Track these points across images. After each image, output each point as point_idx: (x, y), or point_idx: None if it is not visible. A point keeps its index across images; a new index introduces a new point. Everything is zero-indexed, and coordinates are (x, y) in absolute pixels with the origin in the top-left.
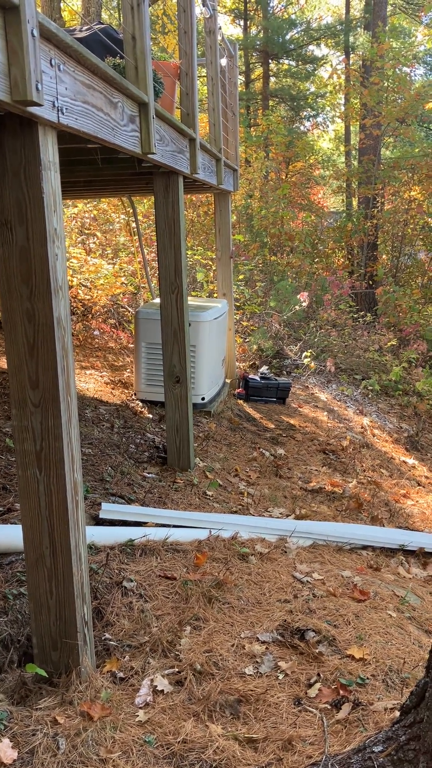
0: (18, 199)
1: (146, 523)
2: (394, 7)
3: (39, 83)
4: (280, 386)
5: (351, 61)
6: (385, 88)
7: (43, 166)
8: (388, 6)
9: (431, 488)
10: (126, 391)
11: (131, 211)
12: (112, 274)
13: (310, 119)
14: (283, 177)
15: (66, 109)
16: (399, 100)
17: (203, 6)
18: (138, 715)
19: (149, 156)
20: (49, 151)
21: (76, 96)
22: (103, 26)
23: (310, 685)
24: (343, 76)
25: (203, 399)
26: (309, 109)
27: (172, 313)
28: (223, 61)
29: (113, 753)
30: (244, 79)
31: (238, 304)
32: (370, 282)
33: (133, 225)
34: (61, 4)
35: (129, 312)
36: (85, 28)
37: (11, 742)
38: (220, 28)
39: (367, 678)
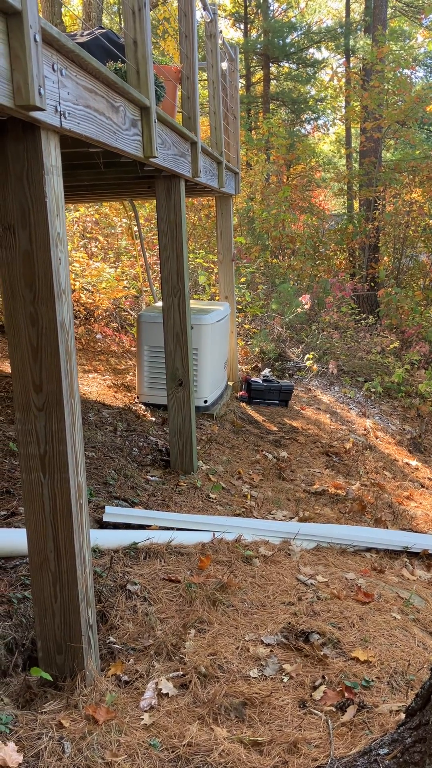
0: (21, 204)
1: (150, 526)
2: (394, 9)
3: (42, 88)
4: (282, 389)
5: (351, 64)
6: (386, 91)
7: (46, 171)
8: (389, 9)
9: None
10: (129, 395)
11: (133, 214)
12: (114, 277)
13: (311, 122)
14: (285, 180)
15: (68, 113)
16: (399, 103)
17: (204, 10)
18: (143, 719)
19: (151, 160)
20: (52, 156)
21: (78, 100)
22: (104, 31)
23: (315, 688)
24: (343, 79)
25: (206, 402)
26: (310, 112)
27: (175, 317)
28: (224, 65)
29: (118, 756)
30: (244, 82)
31: (240, 306)
32: (372, 284)
33: (135, 229)
34: (62, 9)
35: (131, 315)
36: (86, 32)
37: (16, 745)
38: (220, 32)
39: (372, 680)
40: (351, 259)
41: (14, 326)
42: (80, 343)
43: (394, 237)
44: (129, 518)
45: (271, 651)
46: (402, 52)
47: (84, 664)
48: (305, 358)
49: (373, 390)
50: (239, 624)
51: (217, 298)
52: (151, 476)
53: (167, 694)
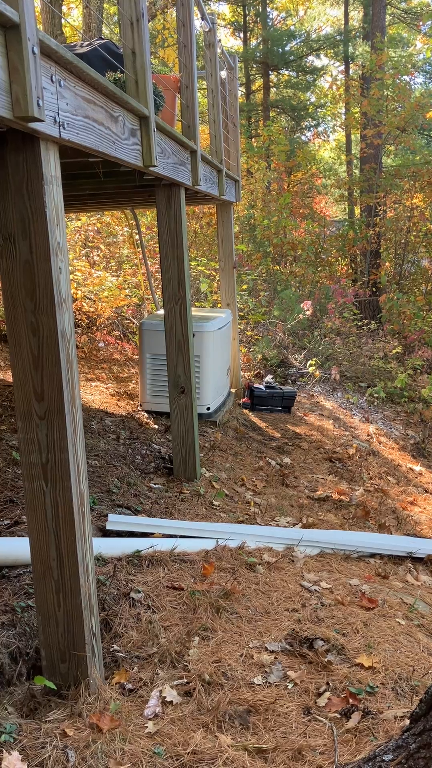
0: (21, 214)
1: (153, 533)
2: (392, 16)
3: (40, 99)
4: (285, 395)
5: (351, 71)
6: (386, 97)
7: (45, 181)
8: (387, 16)
9: None
10: (131, 403)
11: (134, 223)
12: (116, 286)
13: (311, 129)
14: (285, 187)
15: (67, 124)
16: (399, 109)
17: (203, 20)
18: (147, 727)
19: (151, 169)
20: (51, 166)
21: (77, 111)
22: (103, 41)
23: (320, 695)
24: (343, 87)
25: (208, 409)
26: (310, 119)
27: (176, 324)
28: (223, 74)
29: (123, 765)
30: (244, 90)
31: (242, 313)
32: (374, 290)
33: (137, 237)
34: (62, 20)
35: (133, 324)
36: (85, 43)
37: (20, 755)
38: (219, 41)
39: (377, 686)
40: (352, 265)
41: (15, 335)
42: (82, 352)
43: (396, 242)
44: (132, 526)
45: (275, 658)
46: (401, 58)
47: (88, 672)
48: (308, 365)
49: (375, 395)
50: (243, 631)
51: (219, 305)
52: (154, 484)
53: (171, 701)
